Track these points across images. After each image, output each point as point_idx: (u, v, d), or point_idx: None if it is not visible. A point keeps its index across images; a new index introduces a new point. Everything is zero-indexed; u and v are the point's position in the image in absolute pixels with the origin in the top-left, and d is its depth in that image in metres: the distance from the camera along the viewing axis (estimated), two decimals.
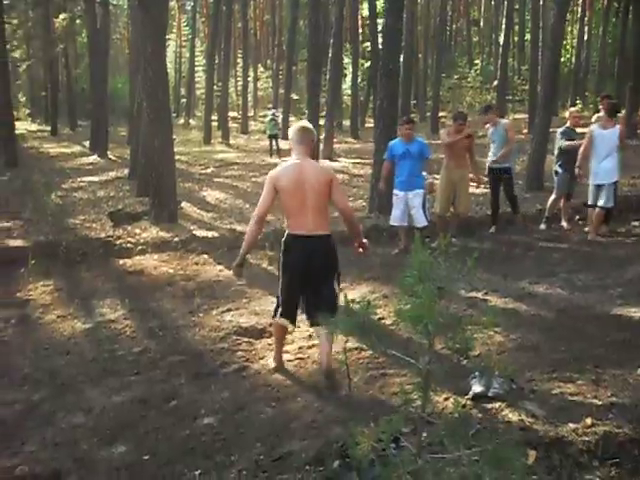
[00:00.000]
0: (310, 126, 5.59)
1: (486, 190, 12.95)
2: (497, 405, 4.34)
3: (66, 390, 5.52)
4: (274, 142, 23.44)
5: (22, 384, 5.70)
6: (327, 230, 5.29)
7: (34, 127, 39.78)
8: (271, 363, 5.66)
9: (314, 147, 5.71)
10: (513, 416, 4.15)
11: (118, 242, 10.51)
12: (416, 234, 2.58)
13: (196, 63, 46.45)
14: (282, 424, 4.51)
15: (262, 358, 5.89)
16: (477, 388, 4.58)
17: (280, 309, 5.44)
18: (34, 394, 5.47)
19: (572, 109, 11.07)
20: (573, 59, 34.91)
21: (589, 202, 9.79)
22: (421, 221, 9.30)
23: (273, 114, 24.32)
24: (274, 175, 5.26)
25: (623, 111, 19.99)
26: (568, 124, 10.48)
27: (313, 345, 6.08)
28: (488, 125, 10.77)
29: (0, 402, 5.33)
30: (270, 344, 6.15)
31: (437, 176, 10.82)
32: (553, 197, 10.63)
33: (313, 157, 5.54)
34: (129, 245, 10.39)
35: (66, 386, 5.60)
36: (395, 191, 9.52)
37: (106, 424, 4.81)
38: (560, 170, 10.46)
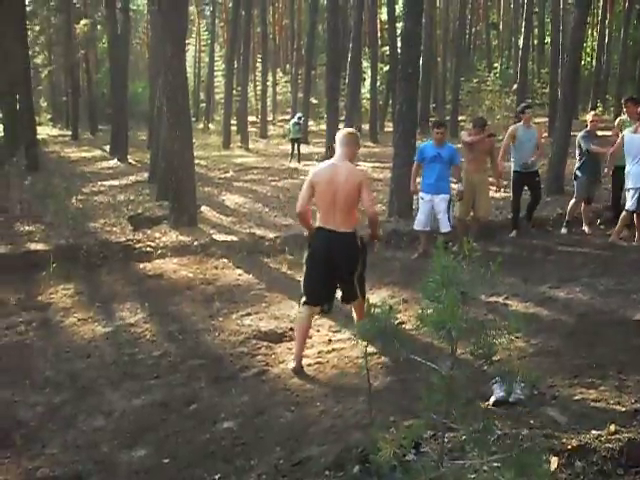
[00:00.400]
0: (356, 132, 6.28)
1: (506, 194, 12.90)
2: (519, 411, 4.31)
3: (87, 393, 5.55)
4: (296, 146, 23.32)
5: (43, 387, 5.73)
6: (351, 228, 5.67)
7: (55, 132, 40.06)
8: (291, 364, 5.71)
9: (356, 152, 6.08)
10: (535, 422, 4.12)
11: (138, 246, 10.55)
12: (438, 239, 2.56)
13: (215, 68, 46.62)
14: (301, 429, 4.50)
15: (282, 362, 5.89)
16: (498, 394, 4.54)
17: (303, 298, 5.77)
18: (55, 397, 5.51)
19: (591, 113, 10.98)
20: (593, 62, 34.68)
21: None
22: (445, 226, 9.29)
23: (299, 117, 24.17)
24: (313, 172, 5.79)
25: None
26: (588, 128, 10.42)
27: (333, 349, 6.08)
28: (519, 125, 10.57)
29: (22, 404, 5.37)
30: (290, 348, 6.15)
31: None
32: (573, 201, 10.56)
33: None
34: (149, 249, 10.42)
35: (87, 389, 5.63)
36: (421, 194, 9.52)
37: (126, 427, 4.83)
38: (580, 174, 10.39)
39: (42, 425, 4.98)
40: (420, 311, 2.49)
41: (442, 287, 2.37)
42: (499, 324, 2.62)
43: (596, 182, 10.27)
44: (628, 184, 9.45)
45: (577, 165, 10.46)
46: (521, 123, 10.54)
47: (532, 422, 4.12)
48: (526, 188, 10.54)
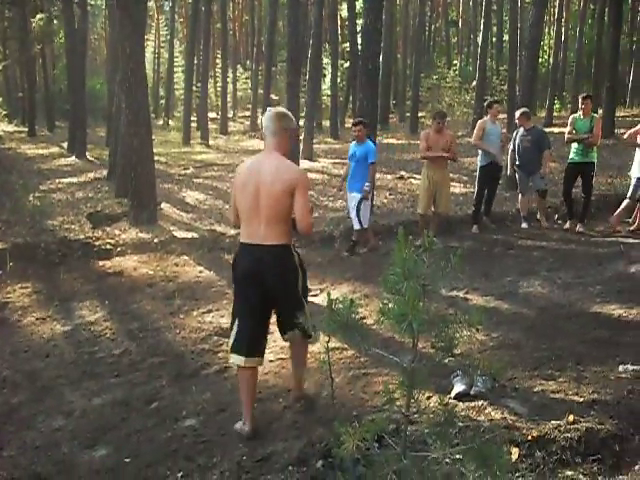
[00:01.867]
0: (288, 113, 4.52)
1: (465, 189, 13.03)
2: (480, 403, 4.35)
3: (46, 393, 5.46)
4: None
5: (1, 387, 5.64)
6: (284, 240, 4.34)
7: (11, 128, 39.30)
8: (241, 426, 4.43)
9: (292, 141, 4.66)
10: (496, 414, 4.16)
11: (97, 243, 10.43)
12: (399, 230, 2.56)
13: (175, 64, 46.18)
14: (264, 425, 4.48)
15: None
16: (459, 387, 4.59)
17: (234, 344, 4.43)
18: (13, 397, 5.42)
19: (516, 113, 11.13)
20: (551, 60, 35.15)
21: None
22: (355, 224, 9.56)
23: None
24: (237, 170, 4.53)
25: (600, 111, 20.23)
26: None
27: None
28: (487, 119, 10.70)
29: None
30: None
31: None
32: (520, 196, 10.83)
33: (289, 154, 4.52)
34: (108, 246, 10.31)
35: (46, 389, 5.55)
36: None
37: (86, 427, 4.77)
38: (517, 169, 10.66)
39: (0, 426, 4.89)
40: (381, 304, 2.49)
41: (403, 280, 2.38)
42: (460, 317, 2.63)
43: (535, 175, 10.45)
44: (634, 172, 9.85)
45: (516, 162, 10.67)
46: (488, 117, 10.70)
47: (493, 414, 4.17)
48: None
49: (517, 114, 10.82)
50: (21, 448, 4.53)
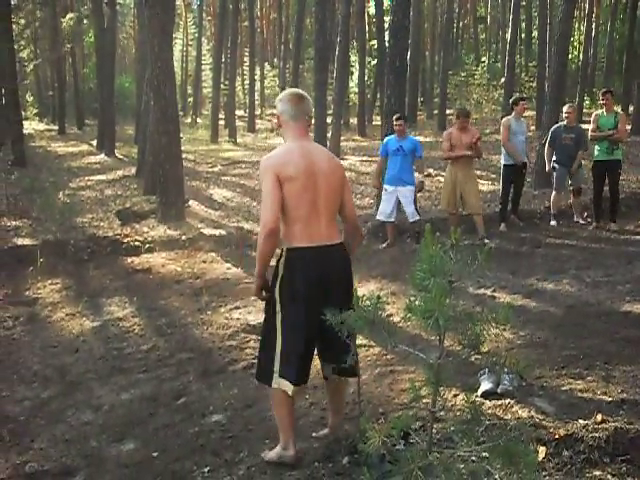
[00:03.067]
0: (306, 95, 3.94)
1: (493, 187, 12.95)
2: (507, 402, 4.33)
3: (75, 388, 5.53)
4: None
5: (32, 381, 5.72)
6: (340, 237, 3.88)
7: (42, 126, 39.82)
8: (281, 452, 3.84)
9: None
10: (523, 412, 4.14)
11: (126, 240, 10.53)
12: (426, 227, 2.56)
13: (203, 62, 46.45)
14: None
15: None
16: (486, 385, 4.57)
17: (282, 368, 3.72)
18: (44, 391, 5.49)
19: (566, 105, 10.94)
20: (581, 56, 34.80)
21: None
22: (412, 216, 9.59)
23: None
24: (274, 163, 3.68)
25: (631, 107, 19.95)
26: (564, 122, 10.50)
27: None
28: (512, 117, 10.61)
29: (10, 399, 5.35)
30: None
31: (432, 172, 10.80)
32: (554, 193, 10.66)
33: None
34: (137, 243, 10.40)
35: (75, 383, 5.61)
36: (385, 186, 9.68)
37: (115, 421, 4.82)
38: (556, 166, 10.47)
39: (30, 420, 4.96)
40: (408, 301, 2.50)
41: (430, 276, 2.38)
42: (487, 315, 2.62)
43: (576, 172, 10.32)
44: None
45: (554, 158, 10.52)
46: (513, 115, 10.60)
47: (520, 412, 4.15)
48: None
49: (566, 109, 10.63)
50: (51, 441, 4.59)
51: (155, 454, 4.27)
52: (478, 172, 10.44)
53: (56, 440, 4.61)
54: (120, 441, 4.52)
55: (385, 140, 9.93)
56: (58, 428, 4.79)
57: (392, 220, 9.76)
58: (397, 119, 9.73)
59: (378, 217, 9.93)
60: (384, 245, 9.84)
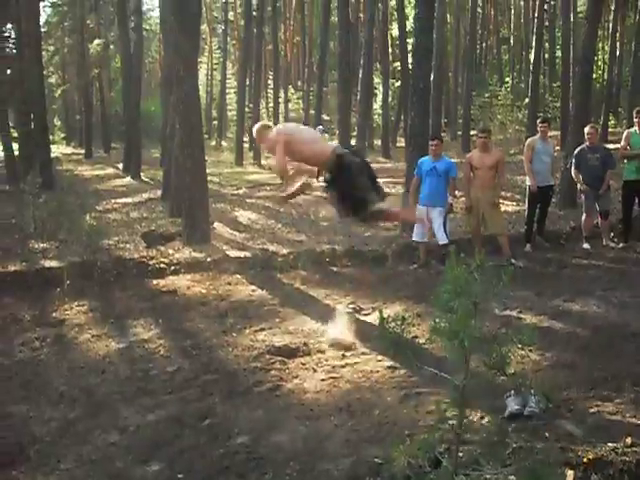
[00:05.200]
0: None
1: (518, 207, 12.87)
2: (533, 424, 4.29)
3: (101, 408, 5.56)
4: None
5: (58, 402, 5.75)
6: None
7: (69, 150, 40.34)
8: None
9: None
10: (550, 435, 4.10)
11: (151, 262, 10.59)
12: (451, 250, 2.56)
13: (227, 85, 46.82)
14: (316, 443, 4.49)
15: (295, 377, 5.88)
16: (513, 407, 4.53)
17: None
18: (70, 412, 5.53)
19: (588, 126, 10.80)
20: (605, 75, 34.63)
21: None
22: (442, 238, 9.42)
23: (322, 131, 23.52)
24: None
25: None
26: (587, 142, 10.37)
27: (346, 364, 6.07)
28: (537, 137, 10.56)
29: (37, 420, 5.39)
30: (303, 363, 6.16)
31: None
32: (584, 216, 10.48)
33: None
34: (162, 265, 10.46)
35: (101, 404, 5.64)
36: (418, 207, 9.61)
37: (141, 442, 4.84)
38: (584, 188, 10.35)
39: (57, 440, 5.00)
40: (433, 322, 2.49)
41: (455, 297, 2.37)
42: (512, 336, 2.61)
43: (604, 195, 10.18)
44: None
45: (581, 179, 10.40)
46: (538, 136, 10.53)
47: (547, 435, 4.10)
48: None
49: (587, 129, 10.52)
50: (78, 461, 4.62)
51: (180, 475, 4.28)
52: (502, 192, 10.36)
53: (82, 461, 4.63)
54: (146, 462, 4.54)
55: (420, 160, 9.91)
56: (84, 449, 4.82)
57: (425, 240, 9.70)
58: (432, 139, 9.73)
59: (413, 238, 9.85)
60: (415, 265, 9.78)
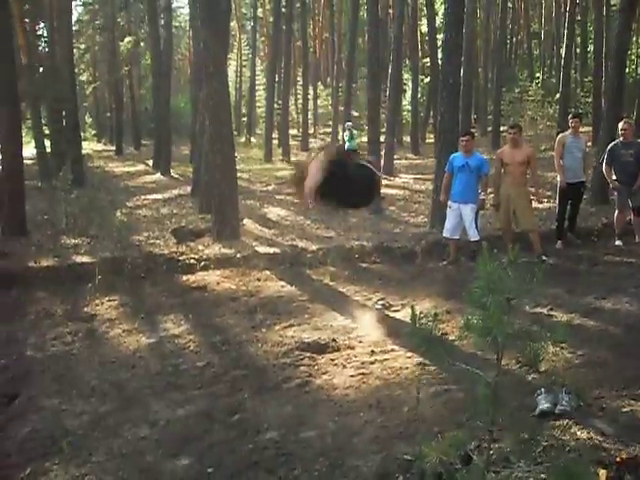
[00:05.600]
0: None
1: (549, 204, 12.75)
2: (565, 422, 4.25)
3: (132, 403, 5.61)
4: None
5: (90, 396, 5.82)
6: None
7: (99, 147, 40.77)
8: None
9: None
10: (582, 434, 4.05)
11: (181, 258, 10.65)
12: (483, 244, 2.54)
13: (256, 82, 46.96)
14: (345, 439, 4.49)
15: (325, 373, 5.89)
16: (544, 405, 4.48)
17: None
18: (101, 406, 5.58)
19: (622, 121, 10.61)
20: (639, 69, 34.18)
21: None
22: (474, 235, 9.36)
23: (349, 127, 23.44)
24: None
25: None
26: (621, 138, 10.20)
27: (376, 360, 6.06)
28: (567, 133, 10.44)
29: (69, 413, 5.46)
30: (332, 359, 6.16)
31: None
32: (616, 212, 10.33)
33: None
34: (192, 261, 10.51)
35: (132, 399, 5.70)
36: (450, 203, 9.56)
37: (171, 437, 4.88)
38: (617, 185, 10.19)
39: (89, 433, 5.05)
40: (466, 318, 2.47)
41: (488, 293, 2.35)
42: (545, 333, 2.58)
43: (637, 191, 10.00)
44: None
45: (613, 176, 10.24)
46: (570, 131, 10.40)
47: (579, 434, 4.06)
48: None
49: (622, 125, 10.34)
50: (109, 455, 4.67)
51: (210, 470, 4.31)
52: (532, 189, 10.24)
53: (113, 454, 4.68)
54: (176, 456, 4.57)
55: (452, 156, 9.85)
56: (115, 442, 4.87)
57: (456, 237, 9.65)
58: (464, 135, 9.67)
59: (444, 234, 9.81)
60: (445, 262, 9.73)
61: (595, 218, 11.76)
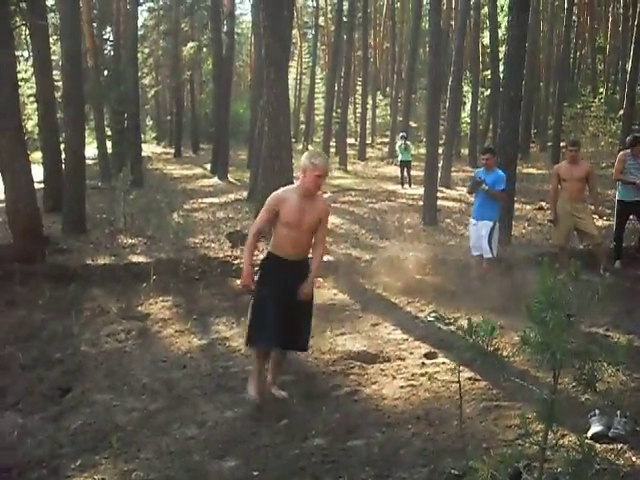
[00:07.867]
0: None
1: (608, 222, 12.48)
2: (619, 446, 4.14)
3: (181, 402, 5.66)
4: (405, 170, 22.78)
5: (140, 393, 5.89)
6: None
7: (159, 149, 41.49)
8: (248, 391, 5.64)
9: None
10: (637, 459, 3.94)
11: (235, 262, 10.72)
12: (544, 261, 2.49)
13: (316, 90, 47.25)
14: (392, 450, 4.45)
15: (374, 383, 5.85)
16: (597, 427, 4.38)
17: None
18: (151, 404, 5.65)
19: None
20: None
21: None
22: (486, 252, 9.24)
23: (404, 137, 23.36)
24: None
25: None
26: None
27: (426, 373, 6.01)
28: (628, 152, 10.19)
29: (120, 409, 5.54)
30: (383, 370, 6.13)
31: None
32: None
33: None
34: None
35: (181, 398, 5.75)
36: (471, 219, 9.59)
37: (218, 438, 4.90)
38: None
39: (138, 430, 5.11)
40: (523, 333, 2.43)
41: (548, 309, 2.30)
42: (603, 353, 2.52)
43: None
44: None
45: None
46: (630, 151, 10.16)
47: (634, 459, 3.95)
48: (631, 217, 10.18)
49: None
50: (157, 452, 4.71)
51: (255, 473, 4.31)
52: (592, 206, 10.04)
53: (161, 452, 4.72)
54: (222, 458, 4.59)
55: (474, 172, 9.82)
56: (163, 440, 4.91)
57: (477, 254, 9.51)
58: (483, 153, 9.62)
59: (471, 252, 9.72)
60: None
61: None
